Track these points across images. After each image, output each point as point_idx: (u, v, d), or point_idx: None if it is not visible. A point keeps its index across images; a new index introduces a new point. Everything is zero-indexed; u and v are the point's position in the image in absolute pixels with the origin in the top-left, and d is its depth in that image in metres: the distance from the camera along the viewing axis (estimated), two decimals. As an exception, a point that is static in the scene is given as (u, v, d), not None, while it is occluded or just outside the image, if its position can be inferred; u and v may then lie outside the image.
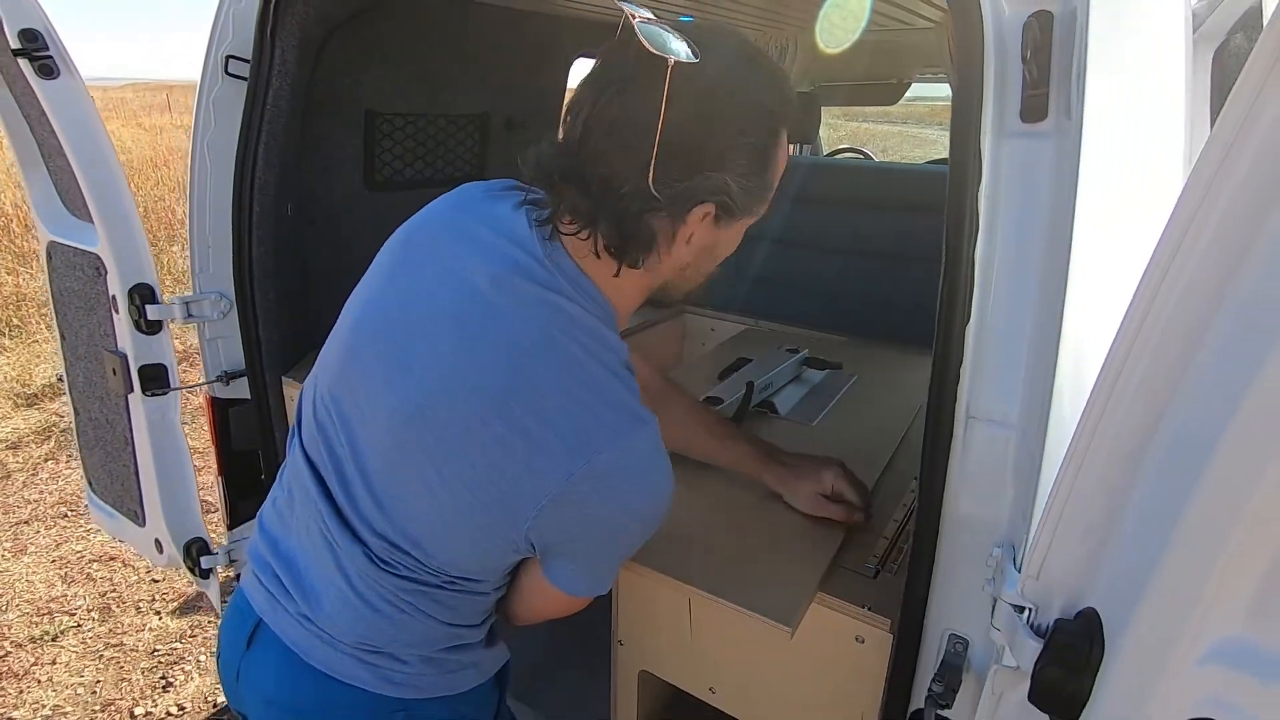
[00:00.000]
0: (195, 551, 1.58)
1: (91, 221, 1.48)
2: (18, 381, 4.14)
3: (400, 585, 0.75)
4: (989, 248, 0.67)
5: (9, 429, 3.64)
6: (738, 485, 1.09)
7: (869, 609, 0.85)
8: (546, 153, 0.68)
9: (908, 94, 3.42)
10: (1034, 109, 0.65)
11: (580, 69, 2.26)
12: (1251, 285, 0.42)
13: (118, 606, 2.37)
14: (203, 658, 2.15)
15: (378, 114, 1.65)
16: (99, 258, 1.46)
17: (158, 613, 2.35)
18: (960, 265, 0.67)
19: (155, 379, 1.45)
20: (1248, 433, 0.43)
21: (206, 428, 1.61)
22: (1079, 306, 0.61)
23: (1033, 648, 0.55)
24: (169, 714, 1.96)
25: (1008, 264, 0.67)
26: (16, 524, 2.84)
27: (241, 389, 1.57)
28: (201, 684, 2.06)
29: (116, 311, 1.43)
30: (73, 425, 1.80)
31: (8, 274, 5.82)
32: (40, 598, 2.41)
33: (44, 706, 1.97)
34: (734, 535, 0.99)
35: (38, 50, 1.23)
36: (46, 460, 3.35)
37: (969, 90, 0.66)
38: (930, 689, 0.72)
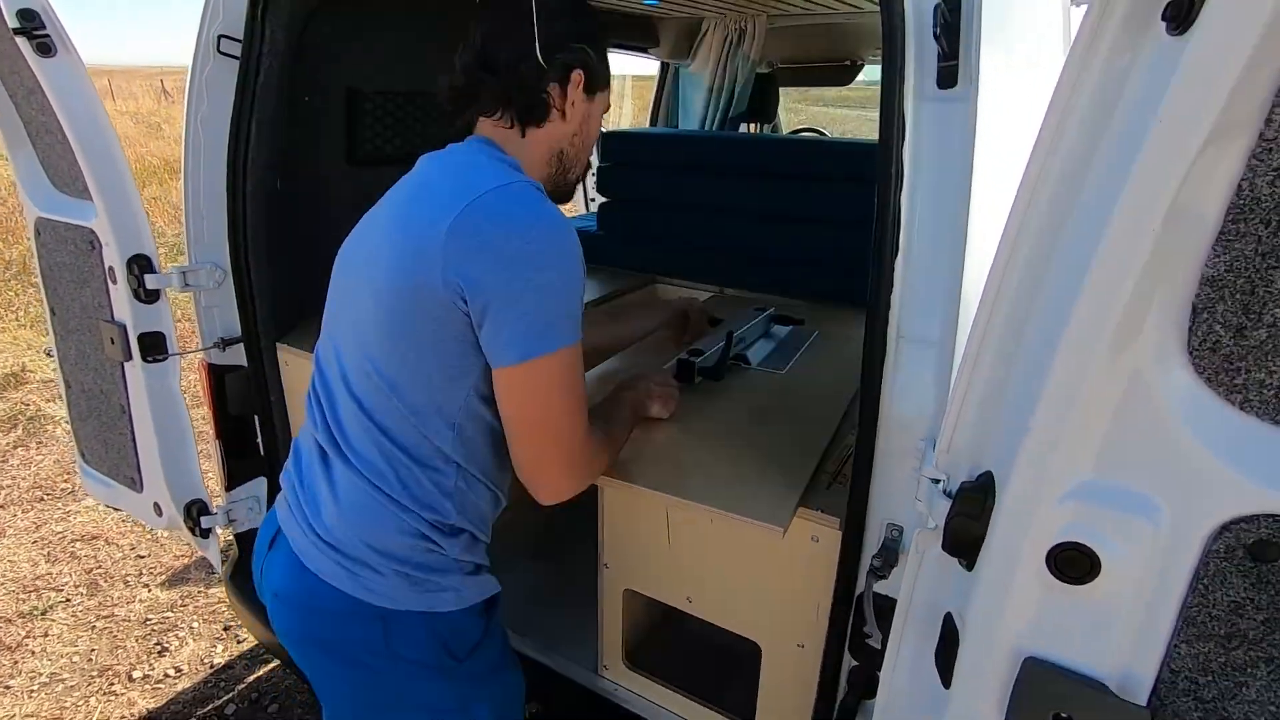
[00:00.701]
0: (195, 512, 1.66)
1: (84, 198, 1.54)
2: (-23, 371, 4.08)
3: (370, 468, 0.88)
4: (913, 194, 0.81)
5: (-27, 418, 3.60)
6: (716, 413, 1.22)
7: (822, 511, 0.99)
8: (461, 72, 0.93)
9: (865, 79, 3.58)
10: (948, 77, 0.79)
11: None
12: (1089, 207, 0.56)
13: (105, 581, 2.42)
14: (196, 624, 2.22)
15: (358, 92, 1.73)
16: (93, 232, 1.52)
17: (146, 585, 2.40)
18: (889, 209, 0.81)
19: (154, 346, 1.52)
20: (1083, 326, 0.57)
21: (203, 394, 1.69)
22: (977, 238, 0.75)
23: (944, 506, 0.69)
24: (167, 675, 2.03)
25: (928, 207, 0.81)
26: (-8, 509, 2.85)
27: (236, 356, 1.64)
28: (196, 648, 2.13)
29: (114, 282, 1.50)
30: (63, 398, 1.85)
31: (-45, 265, 5.67)
32: (25, 576, 2.44)
33: (41, 674, 2.03)
34: (717, 457, 1.11)
35: (36, 29, 1.28)
36: (16, 448, 3.33)
37: (894, 62, 0.79)
38: (871, 564, 0.87)
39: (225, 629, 2.21)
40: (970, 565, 0.69)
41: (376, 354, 0.87)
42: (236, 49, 1.41)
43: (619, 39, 2.60)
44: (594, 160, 3.49)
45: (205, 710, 1.92)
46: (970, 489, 0.67)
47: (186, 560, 2.54)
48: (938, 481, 0.72)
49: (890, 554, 0.88)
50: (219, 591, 2.37)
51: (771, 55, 3.15)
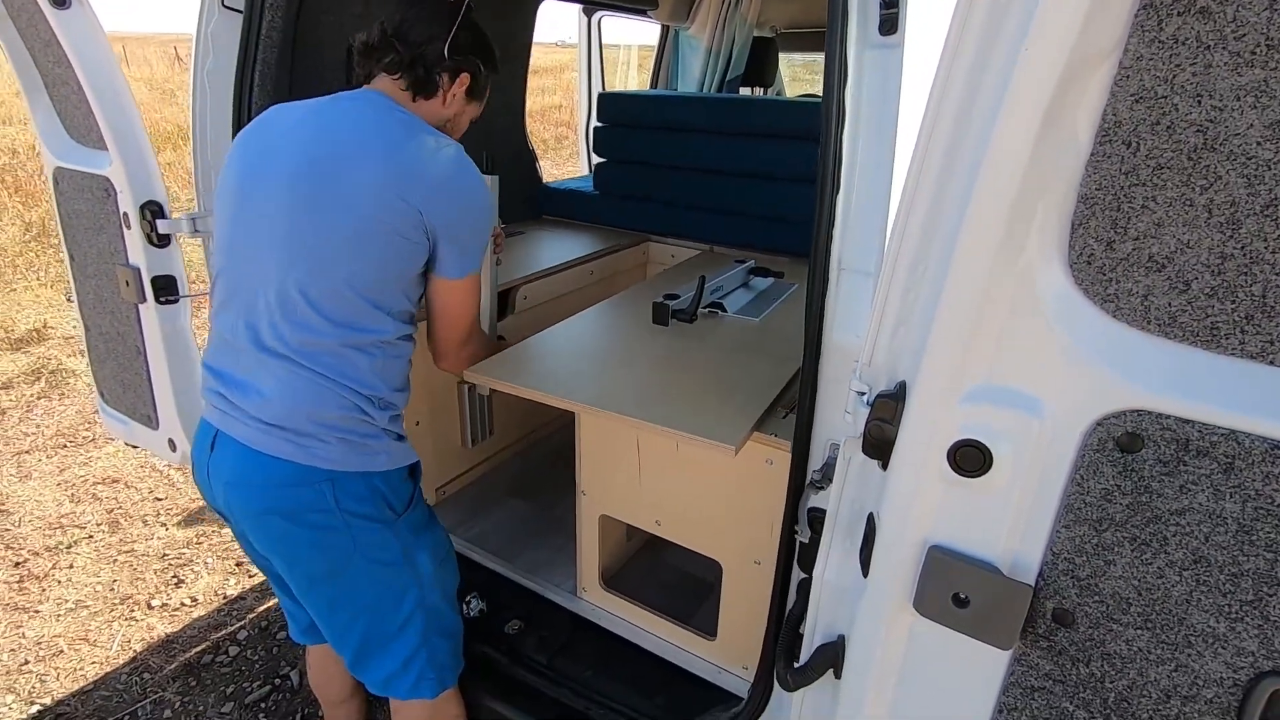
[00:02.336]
0: (207, 447, 1.76)
1: (99, 147, 1.62)
2: (1, 329, 4.22)
3: (313, 358, 1.05)
4: (854, 135, 0.87)
5: (-2, 371, 3.75)
6: (687, 353, 1.30)
7: (775, 435, 1.07)
8: (378, 34, 1.16)
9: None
10: (889, 25, 0.85)
11: (546, 13, 2.39)
12: (976, 135, 0.62)
13: (125, 520, 2.56)
14: (210, 560, 2.36)
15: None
16: (108, 179, 1.61)
17: (164, 525, 2.54)
18: (830, 147, 0.87)
19: (166, 288, 1.61)
20: (973, 241, 0.64)
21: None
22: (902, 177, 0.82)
23: (864, 413, 0.77)
24: (183, 604, 2.17)
25: (868, 148, 0.87)
26: (17, 454, 2.99)
27: (243, 301, 1.74)
28: (211, 580, 2.27)
29: (129, 228, 1.59)
30: (83, 341, 1.95)
31: (-22, 226, 5.81)
32: (51, 515, 2.58)
33: (67, 601, 2.17)
34: (684, 390, 1.19)
35: (51, -18, 1.36)
36: (39, 398, 3.48)
37: (838, 9, 0.85)
38: (811, 478, 0.95)
39: (238, 564, 2.34)
40: (885, 465, 0.77)
41: (345, 260, 1.05)
42: (240, 3, 1.47)
43: (620, 0, 2.63)
44: (591, 119, 3.54)
45: (219, 635, 2.05)
46: (885, 396, 0.75)
47: (201, 503, 2.67)
48: (862, 394, 0.80)
49: (830, 468, 0.96)
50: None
51: (772, 20, 3.17)
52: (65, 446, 3.06)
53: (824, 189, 0.89)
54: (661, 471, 1.22)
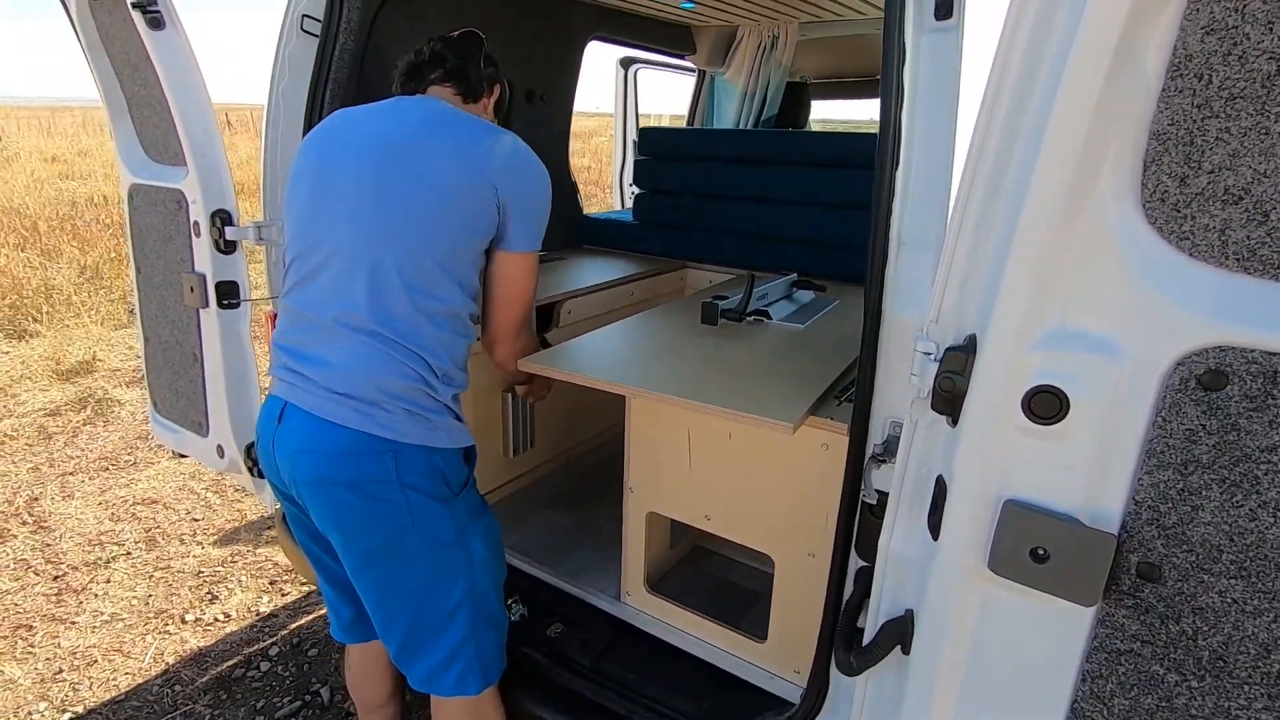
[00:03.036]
0: (254, 451, 1.79)
1: (175, 163, 1.72)
2: (52, 360, 4.37)
3: (385, 325, 1.09)
4: (912, 111, 0.90)
5: (47, 399, 3.86)
6: (737, 352, 1.32)
7: (832, 419, 1.07)
8: (429, 51, 1.30)
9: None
10: (945, 8, 0.89)
11: (592, 51, 2.52)
12: (1045, 83, 0.65)
13: (163, 539, 2.58)
14: (244, 578, 2.35)
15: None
16: (182, 192, 1.70)
17: (200, 543, 2.55)
18: (890, 126, 0.91)
19: (229, 294, 1.68)
20: (1045, 185, 0.65)
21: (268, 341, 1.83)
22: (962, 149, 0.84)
23: (931, 373, 0.77)
24: (216, 619, 2.15)
25: (924, 124, 0.91)
26: (62, 475, 3.05)
27: (299, 309, 1.79)
28: (244, 597, 2.26)
29: (197, 235, 1.67)
30: (141, 353, 2.02)
31: (35, 269, 6.08)
32: (91, 532, 2.61)
33: (103, 614, 2.17)
34: (736, 381, 1.20)
35: (149, 5, 1.47)
36: (85, 425, 3.56)
37: (895, -3, 0.90)
38: (873, 452, 0.95)
39: (271, 583, 2.33)
40: (955, 420, 0.76)
41: (423, 230, 1.12)
42: (318, 29, 1.58)
43: (660, 44, 2.76)
44: (630, 154, 3.66)
45: (251, 651, 2.03)
46: (954, 349, 0.75)
47: (237, 523, 2.69)
48: (928, 354, 0.80)
49: (892, 444, 0.95)
50: (266, 551, 2.50)
51: (803, 69, 3.29)
52: (108, 469, 3.12)
53: (883, 165, 0.92)
54: (713, 463, 1.21)
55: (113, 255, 6.66)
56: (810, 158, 2.07)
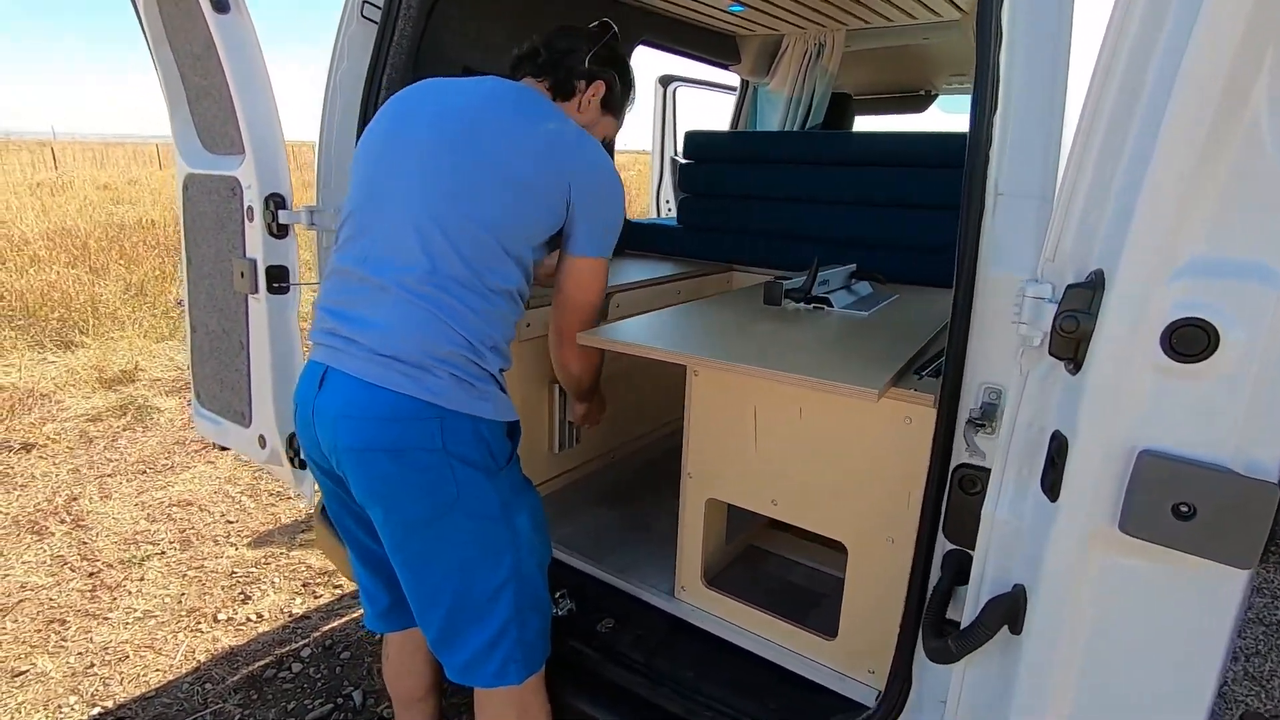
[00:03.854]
0: (296, 442, 1.76)
1: (229, 152, 1.73)
2: (96, 369, 4.44)
3: (435, 285, 1.06)
4: (1011, 52, 0.85)
5: (89, 405, 3.91)
6: (801, 335, 1.25)
7: (915, 391, 1.00)
8: (529, 46, 1.29)
9: (939, 108, 3.66)
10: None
11: (638, 56, 2.52)
12: (1174, 33, 0.59)
13: (197, 540, 2.55)
14: (277, 579, 2.31)
15: (472, 72, 1.90)
16: (236, 179, 1.70)
17: (233, 545, 2.52)
18: (988, 68, 0.85)
19: (279, 278, 1.66)
20: (1187, 96, 0.59)
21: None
22: (1075, 89, 0.79)
23: (1048, 312, 0.71)
24: (249, 619, 2.11)
25: (1021, 67, 0.85)
26: (100, 476, 3.06)
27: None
28: (277, 599, 2.21)
29: (250, 220, 1.67)
30: (187, 344, 2.02)
31: (84, 285, 6.25)
32: (127, 532, 2.60)
33: (136, 611, 2.14)
34: (805, 358, 1.14)
35: (215, -12, 1.49)
36: (125, 430, 3.59)
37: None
38: (970, 416, 0.87)
39: (304, 585, 2.28)
40: (1077, 366, 0.69)
41: (489, 204, 1.09)
42: (378, 15, 1.59)
43: (704, 53, 2.76)
44: (669, 172, 3.66)
45: (283, 651, 1.97)
46: (1077, 286, 0.69)
47: (271, 526, 2.65)
48: (1041, 297, 0.74)
49: (990, 409, 0.88)
50: (300, 554, 2.46)
51: (845, 86, 3.27)
52: (145, 473, 3.12)
53: (980, 110, 0.86)
54: (782, 442, 1.14)
55: (157, 273, 6.83)
56: (865, 157, 2.02)
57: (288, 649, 1.99)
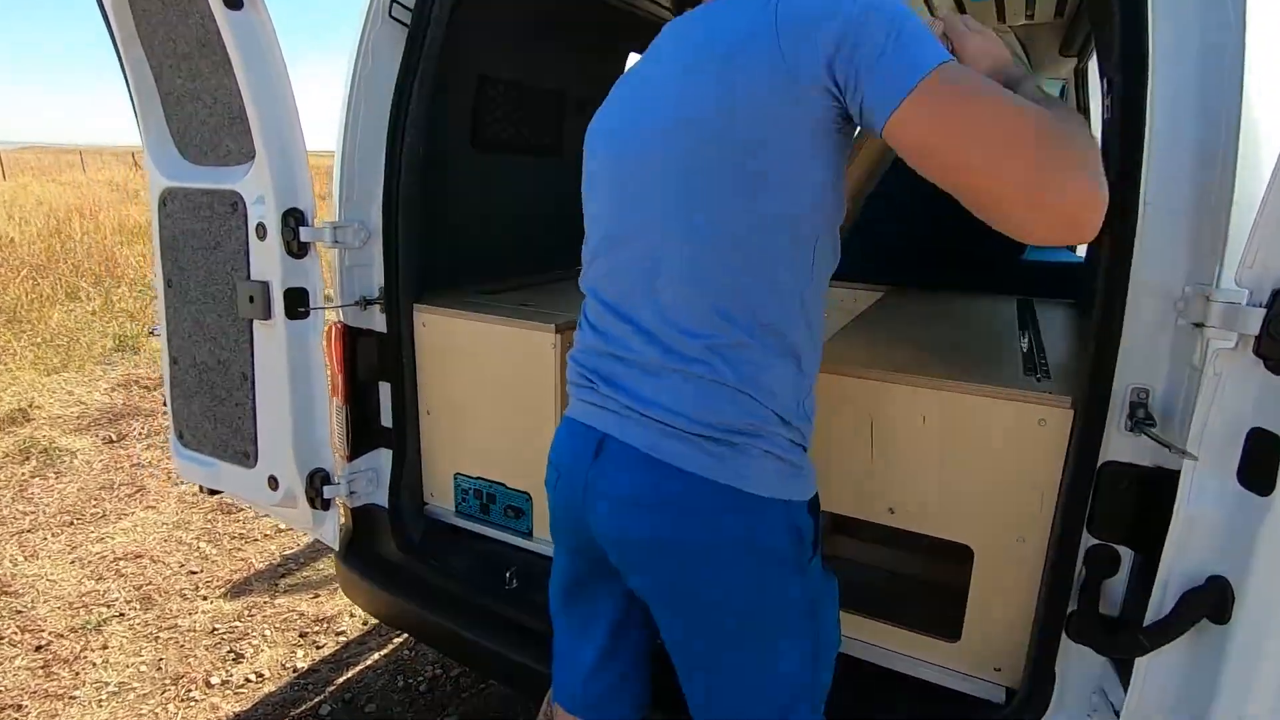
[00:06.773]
0: (319, 481, 1.60)
1: (227, 163, 1.56)
2: (-21, 409, 3.89)
3: (717, 353, 0.81)
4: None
5: (-19, 452, 3.42)
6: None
7: (1050, 393, 1.03)
8: None
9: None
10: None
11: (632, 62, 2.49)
12: None
13: (159, 595, 2.28)
14: (269, 632, 2.09)
15: (487, 79, 1.81)
16: (237, 193, 1.53)
17: (205, 597, 2.27)
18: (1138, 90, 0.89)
19: (299, 302, 1.51)
20: None
21: (333, 358, 1.66)
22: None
23: (1258, 314, 0.74)
24: (248, 680, 1.90)
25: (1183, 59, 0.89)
26: (17, 533, 2.67)
27: (368, 320, 1.64)
28: (274, 654, 2.00)
29: (261, 239, 1.50)
30: (165, 378, 1.80)
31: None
32: (69, 594, 2.28)
33: (108, 684, 1.88)
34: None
35: (227, -17, 1.34)
36: (33, 478, 3.16)
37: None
38: (1137, 416, 0.91)
39: (301, 635, 2.08)
40: (1290, 366, 0.73)
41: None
42: (407, 16, 1.48)
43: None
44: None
45: (298, 711, 1.79)
46: (1288, 290, 0.73)
47: (244, 572, 2.41)
48: (1234, 304, 0.77)
49: (1137, 410, 0.92)
50: (287, 600, 2.25)
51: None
52: (72, 524, 2.75)
53: (1135, 129, 0.89)
54: (902, 452, 1.15)
55: (31, 296, 6.07)
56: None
57: (304, 708, 1.80)
